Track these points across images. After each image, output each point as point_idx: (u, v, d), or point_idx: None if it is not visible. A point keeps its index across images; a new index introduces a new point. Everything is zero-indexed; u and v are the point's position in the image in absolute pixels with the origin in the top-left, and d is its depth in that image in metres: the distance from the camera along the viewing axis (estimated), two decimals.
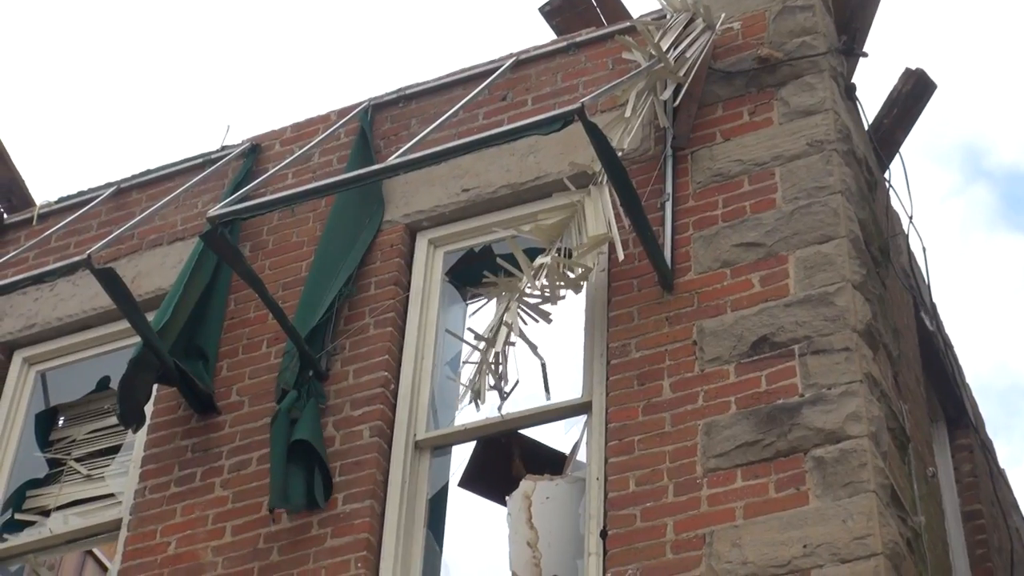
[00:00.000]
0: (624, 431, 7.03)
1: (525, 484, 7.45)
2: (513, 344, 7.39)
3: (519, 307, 7.43)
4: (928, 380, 8.68)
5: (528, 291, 7.48)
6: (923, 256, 8.85)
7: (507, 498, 7.51)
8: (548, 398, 7.50)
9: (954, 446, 9.08)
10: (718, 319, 7.18)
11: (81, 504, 8.36)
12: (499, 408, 7.40)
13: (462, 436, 7.73)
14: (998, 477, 9.45)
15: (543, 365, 7.46)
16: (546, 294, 7.45)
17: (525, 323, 7.49)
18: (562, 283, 7.44)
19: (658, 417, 7.00)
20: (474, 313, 8.20)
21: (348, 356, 7.88)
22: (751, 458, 6.69)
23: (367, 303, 8.05)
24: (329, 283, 7.99)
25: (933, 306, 8.95)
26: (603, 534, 6.83)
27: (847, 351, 6.83)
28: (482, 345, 7.42)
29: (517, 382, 7.44)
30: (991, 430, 9.84)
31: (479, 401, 7.36)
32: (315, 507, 7.28)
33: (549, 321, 7.48)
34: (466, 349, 7.80)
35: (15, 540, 8.31)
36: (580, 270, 7.42)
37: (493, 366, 7.35)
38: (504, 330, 7.37)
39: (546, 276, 7.42)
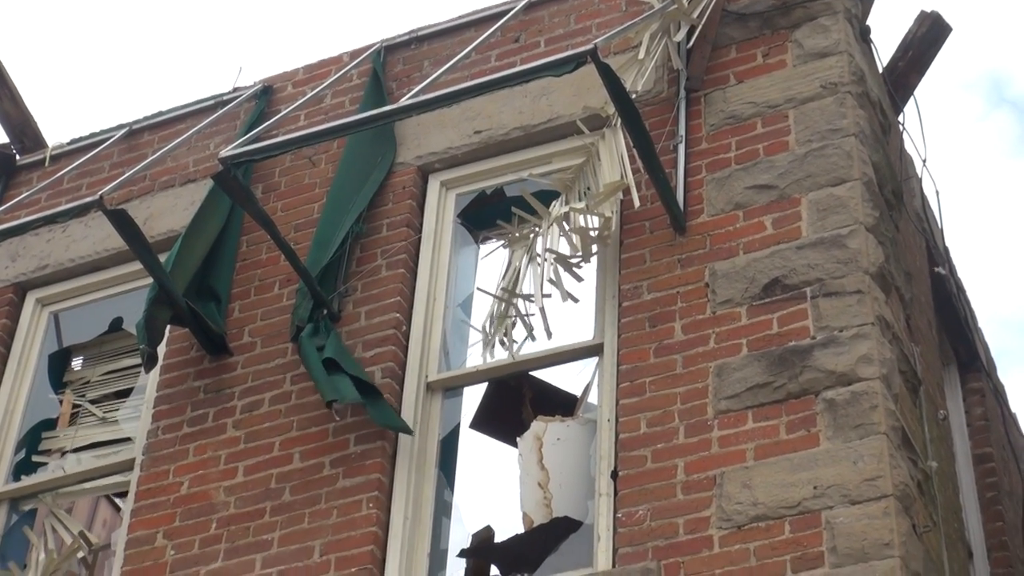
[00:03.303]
0: (635, 373, 7.04)
1: (536, 425, 7.46)
2: (549, 296, 7.34)
3: (550, 261, 7.35)
4: (940, 324, 8.68)
5: (552, 250, 7.40)
6: (936, 200, 8.83)
7: (518, 439, 7.53)
8: (549, 338, 7.46)
9: (965, 389, 9.09)
10: (730, 261, 7.17)
11: (96, 447, 8.39)
12: (511, 350, 7.40)
13: (474, 378, 7.74)
14: (1009, 421, 9.46)
15: (543, 310, 7.41)
16: (578, 253, 7.40)
17: (560, 281, 7.47)
18: (592, 239, 7.36)
19: (669, 359, 7.01)
20: (486, 256, 8.20)
21: (360, 298, 7.89)
22: (762, 400, 6.70)
23: (379, 245, 8.06)
24: (340, 224, 7.99)
25: (946, 250, 8.93)
26: (614, 475, 6.85)
27: (859, 293, 6.82)
28: (503, 295, 7.39)
29: (532, 331, 7.44)
30: (1013, 364, 9.80)
31: (504, 349, 7.36)
32: (369, 399, 7.22)
33: (580, 280, 7.42)
34: (483, 295, 7.76)
35: (29, 480, 8.35)
36: (599, 219, 7.39)
37: (513, 319, 7.34)
38: (539, 284, 7.30)
39: (574, 231, 7.37)
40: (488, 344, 7.40)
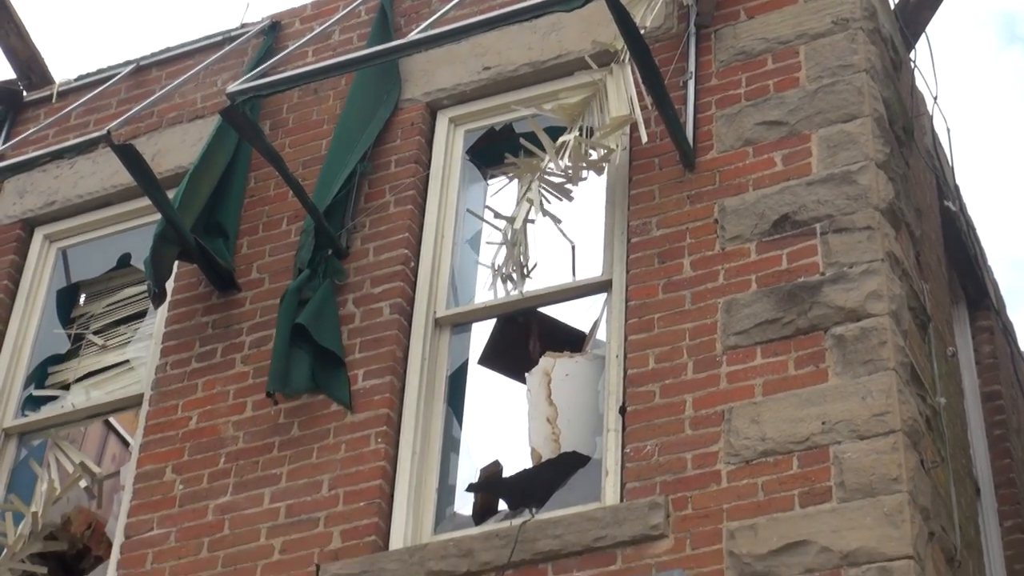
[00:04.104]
0: (644, 309, 7.04)
1: (545, 361, 7.47)
2: (533, 222, 7.37)
3: (541, 186, 7.42)
4: (950, 261, 8.66)
5: (551, 170, 7.45)
6: (947, 137, 8.79)
7: (527, 375, 7.54)
8: (574, 278, 7.49)
9: (975, 327, 9.08)
10: (739, 197, 7.15)
11: (98, 374, 8.40)
12: (516, 287, 7.40)
13: (482, 313, 7.74)
14: (1018, 359, 9.46)
15: (572, 247, 7.45)
16: (568, 174, 7.42)
17: (548, 202, 7.48)
18: (584, 164, 7.40)
19: (678, 295, 7.00)
20: (495, 193, 8.19)
21: (368, 234, 7.88)
22: (771, 336, 6.70)
23: (387, 181, 8.04)
24: (346, 162, 7.97)
25: (956, 187, 8.90)
26: (622, 410, 6.86)
27: (869, 230, 6.80)
28: (504, 225, 7.40)
29: (536, 264, 7.45)
30: (1022, 302, 9.77)
31: (507, 286, 7.37)
32: (317, 392, 7.30)
33: (571, 199, 7.46)
34: (488, 229, 7.79)
35: (36, 416, 8.37)
36: (603, 151, 7.38)
37: (519, 247, 7.34)
38: (526, 207, 7.36)
39: (569, 156, 7.39)
40: (500, 276, 7.39)
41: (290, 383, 7.29)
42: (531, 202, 7.33)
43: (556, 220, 7.38)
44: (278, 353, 7.34)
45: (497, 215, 7.48)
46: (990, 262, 9.44)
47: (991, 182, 25.05)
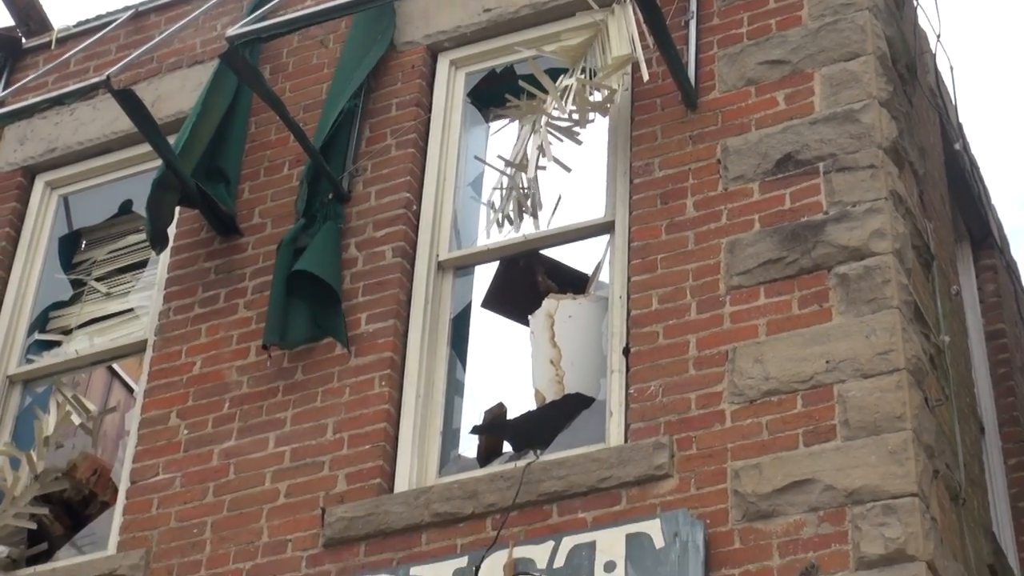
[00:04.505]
0: (647, 250, 7.01)
1: (548, 303, 7.45)
2: (544, 168, 7.34)
3: (549, 131, 7.36)
4: (953, 200, 8.63)
5: (557, 115, 7.41)
6: (950, 76, 8.74)
7: (530, 317, 7.52)
8: (539, 209, 7.44)
9: (978, 266, 9.06)
10: (742, 137, 7.12)
11: (101, 321, 8.39)
12: (515, 227, 7.37)
13: (484, 256, 7.73)
14: (1022, 297, 9.44)
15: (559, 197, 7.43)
16: (574, 117, 7.37)
17: (559, 141, 7.44)
18: (589, 106, 7.35)
19: (681, 236, 6.98)
20: (496, 132, 8.15)
21: (370, 178, 7.84)
22: (774, 275, 6.68)
23: (388, 125, 8.00)
24: (340, 102, 7.91)
25: (959, 126, 8.85)
26: (626, 352, 6.85)
27: (872, 168, 6.77)
28: (511, 171, 7.37)
29: (542, 206, 7.42)
30: None
31: (512, 226, 7.35)
32: (317, 340, 7.28)
33: (579, 143, 7.42)
34: (490, 172, 7.76)
35: (40, 363, 8.36)
36: (605, 91, 7.33)
37: (524, 191, 7.32)
38: (536, 154, 7.31)
39: (573, 99, 7.34)
40: (497, 219, 7.36)
41: (286, 336, 7.28)
42: (541, 150, 7.27)
43: (566, 168, 7.33)
44: (274, 305, 7.33)
45: (507, 163, 7.43)
46: (994, 201, 9.41)
47: (995, 121, 24.94)
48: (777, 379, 6.42)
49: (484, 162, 7.90)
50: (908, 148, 7.15)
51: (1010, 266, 9.35)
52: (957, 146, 8.57)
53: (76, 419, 8.07)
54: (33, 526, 7.67)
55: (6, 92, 8.65)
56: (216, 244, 8.00)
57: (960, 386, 7.32)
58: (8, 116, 8.04)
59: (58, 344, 8.44)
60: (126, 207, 8.81)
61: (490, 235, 7.49)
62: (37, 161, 8.90)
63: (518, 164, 7.40)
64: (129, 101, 7.58)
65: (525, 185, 7.38)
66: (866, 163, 6.79)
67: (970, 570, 6.51)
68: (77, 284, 8.71)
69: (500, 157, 7.63)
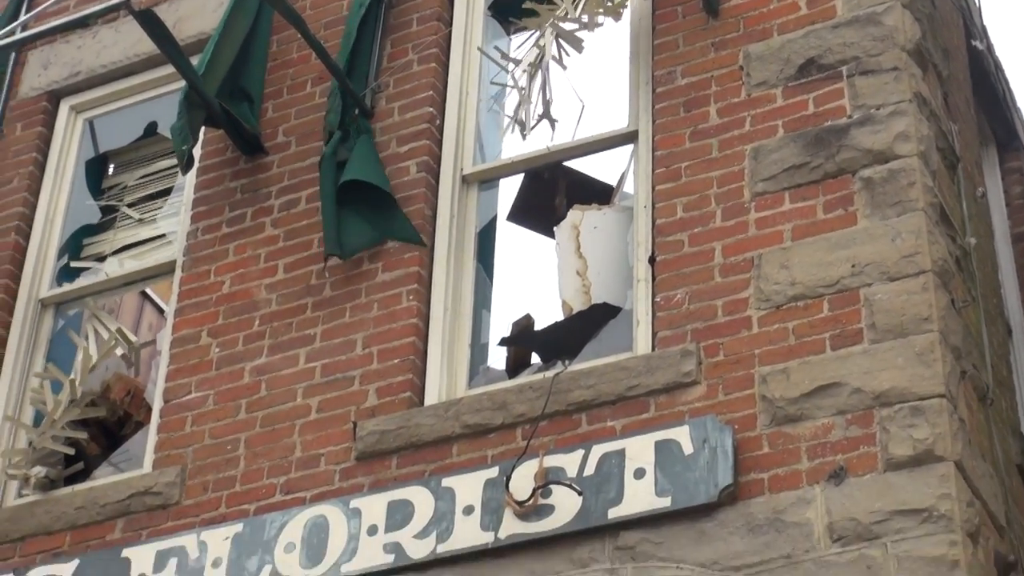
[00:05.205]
0: (671, 158, 6.98)
1: (573, 214, 7.43)
2: (545, 67, 7.28)
3: (554, 34, 7.33)
4: (978, 103, 8.56)
5: (565, 18, 7.35)
6: None
7: (555, 229, 7.50)
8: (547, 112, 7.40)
9: (1004, 168, 8.99)
10: (764, 43, 7.05)
11: (135, 247, 8.42)
12: (526, 133, 7.33)
13: (509, 169, 7.70)
14: None
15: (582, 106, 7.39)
16: (583, 21, 7.32)
17: (568, 54, 7.39)
18: (601, 10, 7.30)
19: (705, 143, 6.94)
20: (519, 47, 8.07)
21: (392, 93, 7.81)
22: (799, 180, 6.64)
23: (409, 40, 7.95)
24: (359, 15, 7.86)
25: (984, 28, 8.75)
26: (651, 260, 6.83)
27: (896, 71, 6.71)
28: (519, 72, 7.32)
29: (557, 120, 7.38)
30: None
31: (523, 132, 7.31)
32: (378, 245, 7.27)
33: (581, 50, 7.37)
34: (509, 80, 7.71)
35: (72, 285, 8.40)
36: None
37: (538, 94, 7.27)
38: (537, 56, 7.27)
39: (585, 4, 7.28)
40: (518, 123, 7.33)
41: (344, 246, 7.26)
42: (540, 48, 7.24)
43: (562, 67, 7.27)
44: (328, 217, 7.29)
45: (504, 56, 7.38)
46: (1020, 103, 9.32)
47: (1020, 22, 24.63)
48: (803, 284, 6.40)
49: (492, 59, 7.77)
50: (932, 50, 7.08)
51: None
52: (981, 46, 8.48)
53: (119, 351, 8.12)
54: (71, 451, 7.73)
55: (28, 15, 8.60)
56: (241, 163, 7.99)
57: (986, 288, 7.28)
58: (31, 39, 8.01)
59: (89, 269, 8.47)
60: (151, 129, 8.80)
61: (508, 141, 7.46)
62: (61, 85, 8.88)
63: (526, 66, 7.35)
64: (150, 22, 7.55)
65: (540, 88, 7.32)
66: (889, 66, 6.72)
67: (998, 470, 6.51)
68: (107, 210, 8.72)
69: (504, 54, 7.58)
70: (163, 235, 8.28)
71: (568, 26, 7.34)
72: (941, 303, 6.20)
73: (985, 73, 8.67)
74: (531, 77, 7.32)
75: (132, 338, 8.29)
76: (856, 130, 6.62)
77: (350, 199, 7.36)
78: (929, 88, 6.89)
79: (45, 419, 7.82)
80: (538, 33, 7.40)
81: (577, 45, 7.32)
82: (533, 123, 7.30)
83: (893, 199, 6.42)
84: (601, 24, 7.33)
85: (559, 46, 7.30)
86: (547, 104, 7.30)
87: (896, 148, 6.52)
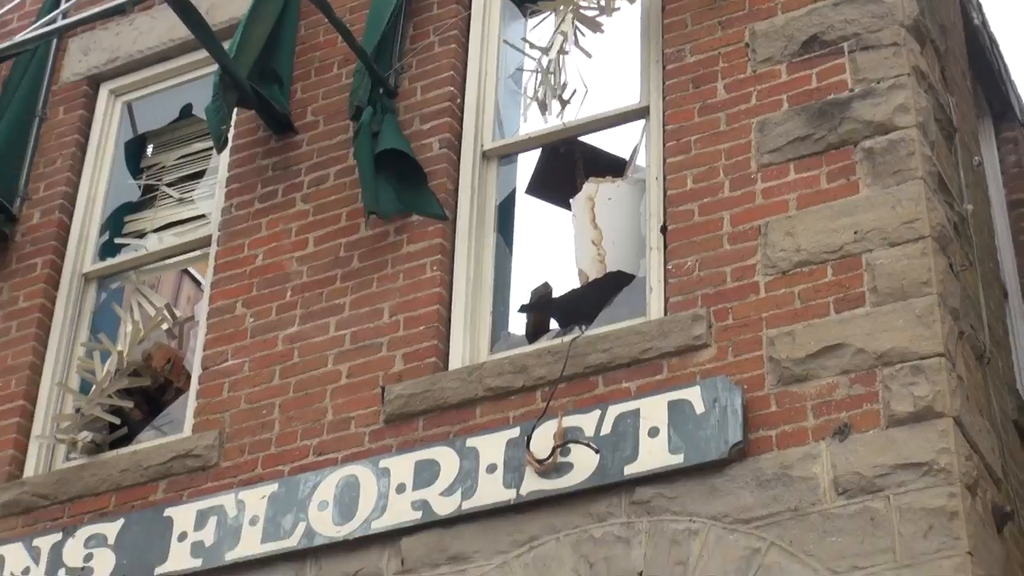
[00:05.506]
0: (681, 132, 6.96)
1: (588, 186, 7.43)
2: (567, 52, 7.28)
3: (574, 19, 7.31)
4: (974, 76, 8.51)
5: (585, 4, 7.34)
6: None
7: (571, 201, 7.50)
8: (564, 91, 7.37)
9: (1000, 139, 8.95)
10: (769, 21, 7.03)
11: (175, 226, 8.44)
12: (548, 112, 7.31)
13: (527, 144, 7.69)
14: None
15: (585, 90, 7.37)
16: (601, 5, 7.30)
17: (584, 35, 7.38)
18: None
19: (713, 117, 6.92)
20: (534, 28, 8.06)
21: (415, 73, 7.80)
22: (803, 152, 6.62)
23: (431, 22, 7.94)
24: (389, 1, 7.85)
25: (979, 4, 8.70)
26: (663, 230, 6.83)
27: (895, 46, 6.68)
28: (538, 54, 7.31)
29: (575, 91, 7.36)
30: None
31: (544, 112, 7.30)
32: (407, 214, 7.25)
33: (601, 32, 7.35)
34: (529, 63, 7.70)
35: (114, 260, 8.42)
36: None
37: (553, 75, 7.26)
38: (559, 39, 7.26)
39: None
40: (540, 104, 7.32)
41: (380, 205, 7.24)
42: (564, 34, 7.22)
43: (587, 55, 7.26)
44: (366, 177, 7.26)
45: (532, 45, 7.38)
46: (1014, 77, 9.27)
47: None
48: (808, 251, 6.39)
49: (517, 48, 7.79)
50: (929, 26, 7.04)
51: None
52: (977, 20, 8.43)
53: (165, 326, 8.16)
54: (117, 420, 7.76)
55: (68, 4, 8.61)
56: (272, 142, 7.99)
57: (983, 252, 7.26)
58: (71, 26, 8.02)
59: (128, 244, 8.50)
60: (186, 111, 8.81)
61: (527, 119, 7.45)
62: (101, 70, 8.89)
63: (543, 48, 7.34)
64: (184, 9, 7.53)
65: (553, 71, 7.31)
66: (889, 41, 6.69)
67: (995, 425, 6.50)
68: (146, 189, 8.74)
69: (524, 39, 7.57)
70: (203, 215, 8.30)
71: (588, 12, 7.32)
72: (940, 267, 6.19)
73: (981, 48, 8.62)
74: (552, 61, 7.30)
75: (177, 313, 8.34)
76: (857, 103, 6.60)
77: (380, 170, 7.34)
78: (927, 62, 6.86)
79: (94, 388, 7.86)
80: (556, 16, 7.36)
81: (596, 27, 7.30)
82: (553, 104, 7.28)
83: (893, 168, 6.40)
84: (618, 8, 7.31)
85: (576, 29, 7.27)
86: (563, 86, 7.28)
87: (896, 120, 6.49)
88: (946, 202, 6.57)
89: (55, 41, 8.90)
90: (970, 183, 7.21)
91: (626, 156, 7.69)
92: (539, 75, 7.31)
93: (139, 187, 8.76)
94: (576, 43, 7.28)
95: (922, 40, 6.85)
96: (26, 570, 7.26)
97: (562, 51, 7.28)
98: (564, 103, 7.29)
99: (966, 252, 6.75)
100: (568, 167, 7.93)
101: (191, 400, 7.53)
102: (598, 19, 7.36)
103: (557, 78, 7.29)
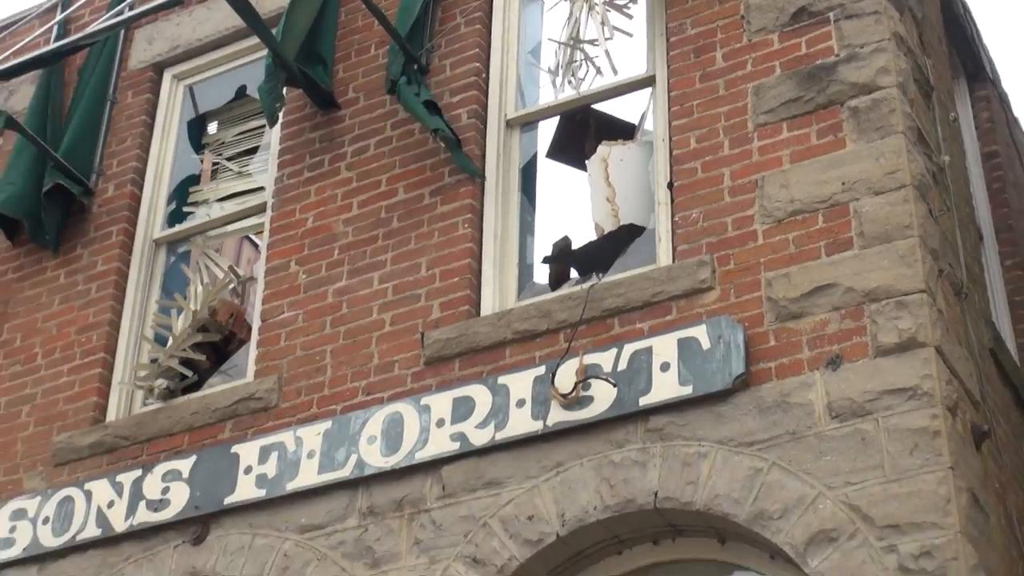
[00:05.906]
0: (684, 98, 6.92)
1: (602, 149, 7.40)
2: (610, 38, 7.28)
3: (606, 9, 7.28)
4: (950, 40, 8.41)
5: None
6: None
7: (587, 163, 7.47)
8: (615, 74, 7.35)
9: (973, 97, 8.85)
10: None
11: (236, 197, 8.44)
12: (574, 88, 7.29)
13: (546, 113, 7.66)
14: (1013, 123, 9.24)
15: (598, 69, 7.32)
16: None
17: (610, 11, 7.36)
18: None
19: (713, 83, 6.87)
20: (550, 8, 8.02)
21: (444, 52, 7.77)
22: (795, 112, 6.57)
23: (457, 6, 7.90)
24: None
25: None
26: (670, 186, 6.79)
27: (876, 14, 6.62)
28: (572, 44, 7.30)
29: (590, 67, 7.33)
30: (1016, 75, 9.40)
31: (575, 88, 7.30)
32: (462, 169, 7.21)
33: (631, 17, 7.30)
34: (549, 43, 7.67)
35: (181, 227, 8.44)
36: None
37: (589, 60, 7.26)
38: (600, 29, 7.22)
39: None
40: (558, 84, 7.32)
41: (442, 128, 7.15)
42: (604, 24, 7.18)
43: (628, 35, 7.25)
44: (420, 111, 7.18)
45: (571, 38, 7.33)
46: (987, 41, 9.16)
47: None
48: (800, 201, 6.35)
49: (561, 43, 7.71)
50: None
51: (1002, 97, 9.13)
52: None
53: (231, 285, 8.18)
54: (190, 373, 7.79)
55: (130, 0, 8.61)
56: (318, 118, 7.98)
57: (960, 199, 7.20)
58: (136, 18, 8.01)
59: (193, 212, 8.52)
60: (241, 92, 8.81)
61: (553, 87, 7.45)
62: (164, 58, 8.89)
63: (576, 37, 7.31)
64: (237, 1, 7.52)
65: (584, 54, 7.30)
66: (871, 10, 6.63)
67: (973, 353, 6.46)
68: (209, 162, 8.75)
69: (578, 41, 7.53)
70: (261, 188, 8.30)
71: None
72: (920, 212, 6.14)
73: (955, 14, 8.52)
74: (573, 39, 7.29)
75: (241, 274, 8.36)
76: (843, 67, 6.54)
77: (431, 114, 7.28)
78: (906, 28, 6.79)
79: (171, 341, 7.90)
80: (578, 4, 7.33)
81: (625, 13, 7.26)
82: (573, 77, 7.27)
83: (876, 125, 6.34)
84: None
85: (606, 17, 7.24)
86: (583, 66, 7.28)
87: (878, 81, 6.44)
88: (925, 154, 6.52)
89: (123, 32, 8.91)
90: (947, 137, 7.14)
91: (635, 121, 7.66)
92: (563, 61, 7.29)
93: (201, 162, 8.77)
94: (609, 28, 7.26)
95: (901, 8, 6.78)
96: (111, 503, 7.31)
97: (607, 38, 7.24)
98: (596, 69, 7.26)
99: (944, 199, 6.69)
100: (583, 132, 7.90)
101: (252, 349, 7.55)
102: (626, 8, 7.31)
103: (582, 60, 7.27)
